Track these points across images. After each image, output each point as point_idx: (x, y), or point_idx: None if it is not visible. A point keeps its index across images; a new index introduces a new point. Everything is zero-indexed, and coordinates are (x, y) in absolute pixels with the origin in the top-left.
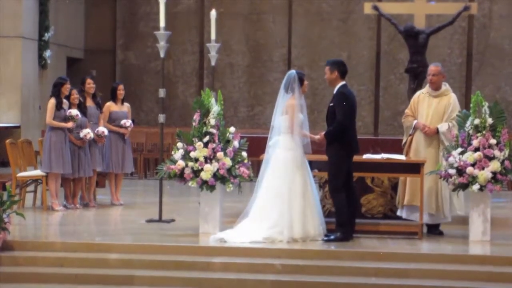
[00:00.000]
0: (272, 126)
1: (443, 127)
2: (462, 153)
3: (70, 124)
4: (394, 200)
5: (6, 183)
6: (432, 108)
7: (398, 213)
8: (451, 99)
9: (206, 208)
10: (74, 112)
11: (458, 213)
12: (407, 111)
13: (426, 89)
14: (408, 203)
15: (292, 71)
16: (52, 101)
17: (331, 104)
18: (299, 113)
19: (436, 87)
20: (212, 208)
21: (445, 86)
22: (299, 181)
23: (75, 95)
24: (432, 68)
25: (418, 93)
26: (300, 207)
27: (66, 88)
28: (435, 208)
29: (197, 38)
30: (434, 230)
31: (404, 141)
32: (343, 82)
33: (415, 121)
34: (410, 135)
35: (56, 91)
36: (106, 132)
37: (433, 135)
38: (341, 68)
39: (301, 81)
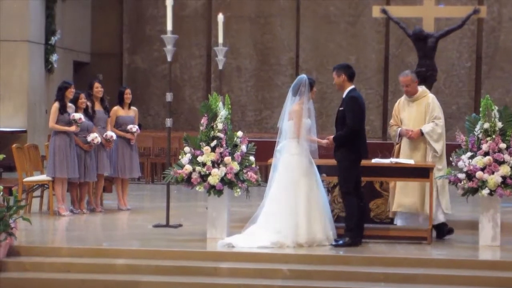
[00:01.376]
0: (280, 130)
1: (426, 127)
2: (471, 157)
3: (73, 128)
4: None
5: (13, 188)
6: (413, 112)
7: (395, 221)
8: (429, 99)
9: (214, 213)
10: (78, 115)
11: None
12: (391, 121)
13: (404, 96)
14: (395, 209)
15: (303, 76)
16: (56, 105)
17: (341, 108)
18: (306, 118)
19: (412, 94)
20: (220, 213)
21: (421, 88)
22: (304, 185)
23: (83, 100)
24: (402, 79)
25: (398, 101)
26: (305, 212)
27: (70, 92)
28: (424, 210)
29: (204, 41)
30: (442, 233)
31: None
32: (352, 86)
33: (399, 129)
34: (397, 143)
35: (60, 95)
36: (114, 136)
37: (418, 138)
38: (347, 71)
39: (310, 86)
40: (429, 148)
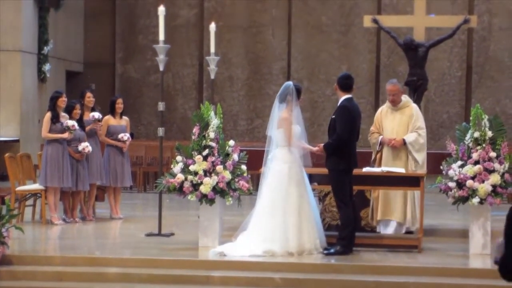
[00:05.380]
0: (269, 137)
1: (409, 137)
2: (462, 166)
3: (66, 135)
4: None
5: (5, 197)
6: (396, 121)
7: (377, 229)
8: (412, 110)
9: (206, 222)
10: (71, 122)
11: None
12: (372, 128)
13: (386, 104)
14: (381, 218)
15: (290, 83)
16: (48, 115)
17: (333, 116)
18: (296, 125)
19: (397, 103)
20: (212, 221)
21: (405, 98)
22: (294, 194)
23: (78, 110)
24: (391, 88)
25: (380, 109)
26: (295, 220)
27: (62, 101)
28: (402, 217)
29: (196, 51)
30: None
31: (373, 158)
32: (347, 96)
33: (380, 137)
34: (378, 151)
35: (52, 105)
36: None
37: (400, 147)
38: (339, 81)
39: (298, 93)
40: (410, 157)
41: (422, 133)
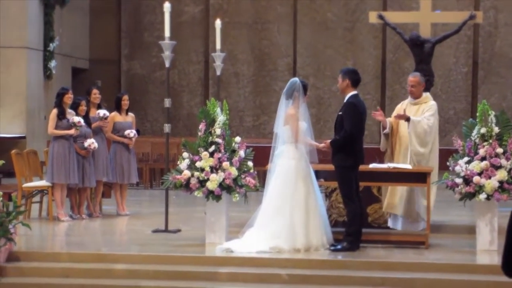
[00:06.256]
0: (276, 134)
1: (415, 118)
2: (468, 162)
3: (72, 131)
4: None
5: (12, 193)
6: (411, 113)
7: (388, 223)
8: (428, 105)
9: (212, 218)
10: (77, 118)
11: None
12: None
13: (408, 99)
14: (384, 210)
15: (296, 79)
16: (54, 111)
17: (340, 113)
18: (302, 122)
19: (416, 96)
20: (218, 218)
21: (426, 94)
22: (301, 190)
23: (84, 106)
24: (411, 79)
25: (401, 103)
26: (302, 217)
27: (68, 97)
28: (409, 213)
29: (202, 47)
30: None
31: (384, 149)
32: (354, 92)
33: (387, 120)
34: (384, 133)
35: (58, 101)
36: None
37: (402, 120)
38: (352, 77)
39: (304, 90)
40: (410, 146)
41: (427, 121)
